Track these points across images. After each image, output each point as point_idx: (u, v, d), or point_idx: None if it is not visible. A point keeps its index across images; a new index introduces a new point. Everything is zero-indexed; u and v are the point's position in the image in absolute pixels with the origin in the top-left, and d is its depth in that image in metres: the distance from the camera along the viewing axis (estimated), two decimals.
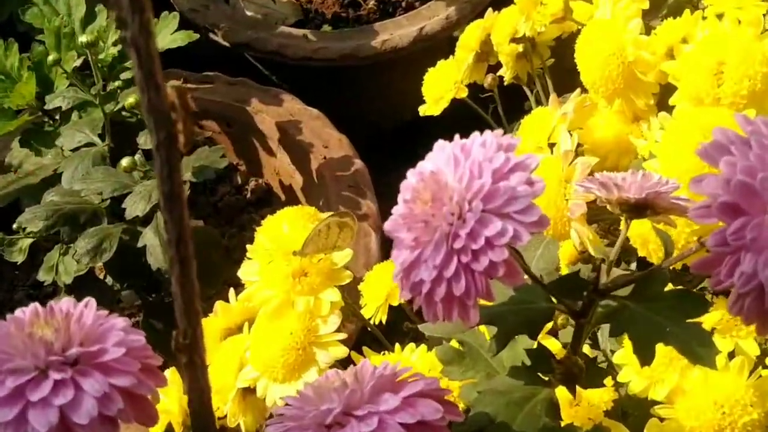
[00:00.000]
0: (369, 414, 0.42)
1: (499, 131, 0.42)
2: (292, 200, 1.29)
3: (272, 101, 1.30)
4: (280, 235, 0.66)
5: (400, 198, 0.43)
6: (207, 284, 0.98)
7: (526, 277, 0.48)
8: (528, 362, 0.49)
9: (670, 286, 0.45)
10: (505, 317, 0.47)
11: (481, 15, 0.96)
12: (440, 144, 0.43)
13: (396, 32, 1.39)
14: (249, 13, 1.50)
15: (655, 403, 0.62)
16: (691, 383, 0.60)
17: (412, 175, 0.43)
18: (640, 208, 0.47)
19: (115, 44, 1.10)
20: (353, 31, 1.40)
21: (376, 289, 0.78)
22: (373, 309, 0.78)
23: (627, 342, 0.61)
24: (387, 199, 1.16)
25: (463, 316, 0.40)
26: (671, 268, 0.55)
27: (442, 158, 0.42)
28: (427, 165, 0.42)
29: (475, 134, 0.42)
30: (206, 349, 0.69)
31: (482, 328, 0.55)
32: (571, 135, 0.65)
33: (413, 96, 1.00)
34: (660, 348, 0.57)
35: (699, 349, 0.42)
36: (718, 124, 0.57)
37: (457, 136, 0.42)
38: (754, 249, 0.36)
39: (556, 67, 0.94)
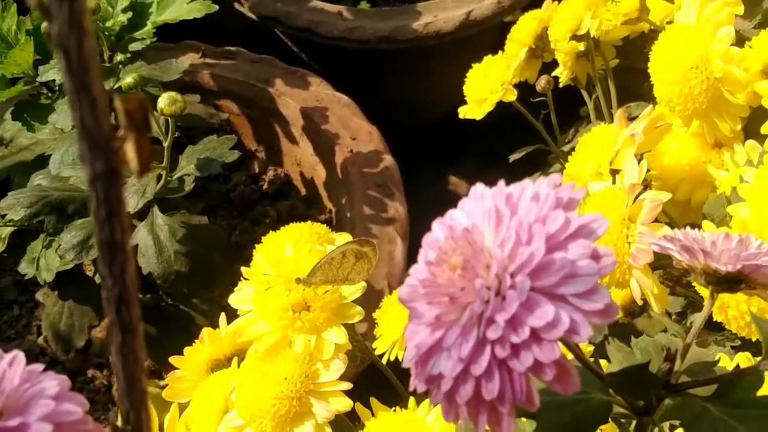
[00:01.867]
0: None
1: (557, 178, 0.33)
2: (312, 195, 1.21)
3: (298, 83, 1.22)
4: (282, 258, 0.58)
5: (421, 256, 0.34)
6: (205, 288, 0.90)
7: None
8: None
9: (765, 390, 0.36)
10: (547, 410, 0.38)
11: (537, 4, 0.86)
12: (478, 190, 0.34)
13: (441, 15, 1.29)
14: None
15: None
16: None
17: (439, 227, 0.34)
18: (731, 282, 0.38)
19: (125, 11, 1.02)
20: (393, 11, 1.31)
21: (393, 320, 0.69)
22: (389, 343, 0.69)
23: None
24: (415, 202, 1.08)
25: (493, 425, 0.31)
26: None
27: (480, 211, 0.33)
28: (459, 217, 0.33)
29: (526, 183, 0.33)
30: (189, 380, 0.61)
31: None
32: (639, 163, 0.55)
33: (456, 88, 0.90)
34: None
35: None
36: None
37: (501, 182, 0.33)
38: None
39: (621, 68, 0.84)
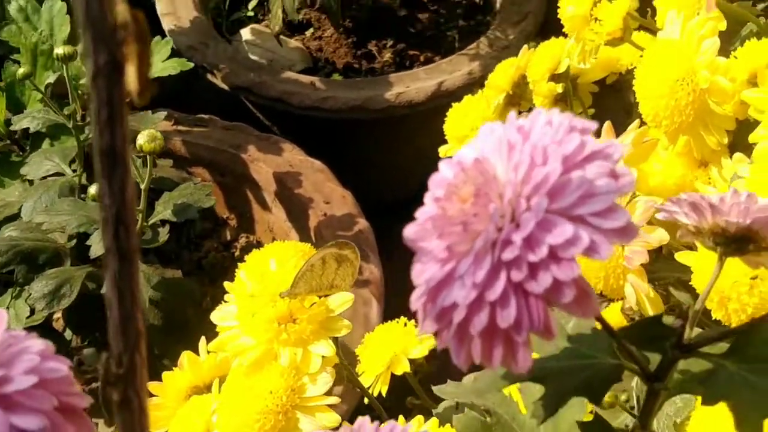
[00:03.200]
0: None
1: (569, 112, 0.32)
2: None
3: (271, 149, 1.22)
4: (266, 273, 0.56)
5: (428, 197, 0.33)
6: (177, 341, 0.87)
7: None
8: None
9: None
10: (555, 375, 0.36)
11: None
12: (489, 126, 0.33)
13: (412, 85, 1.31)
14: (253, 57, 1.42)
15: None
16: None
17: (447, 166, 0.33)
18: (741, 241, 0.37)
19: None
20: (365, 82, 1.33)
21: (376, 355, 0.68)
22: (372, 377, 0.67)
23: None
24: (387, 267, 1.07)
25: (508, 358, 0.30)
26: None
27: (491, 143, 0.32)
28: (468, 152, 0.32)
29: (537, 112, 0.32)
30: (167, 407, 0.58)
31: (515, 393, 0.45)
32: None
33: (429, 156, 0.90)
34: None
35: None
36: None
37: (513, 113, 0.32)
38: None
39: (596, 116, 0.85)
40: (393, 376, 0.68)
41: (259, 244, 1.23)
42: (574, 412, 0.41)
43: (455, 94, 1.31)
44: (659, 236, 0.51)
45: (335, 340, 0.58)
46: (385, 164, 1.40)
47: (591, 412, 0.42)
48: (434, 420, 0.56)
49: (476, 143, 0.33)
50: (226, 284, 0.58)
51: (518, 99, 0.86)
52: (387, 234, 1.24)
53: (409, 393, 0.73)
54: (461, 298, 0.30)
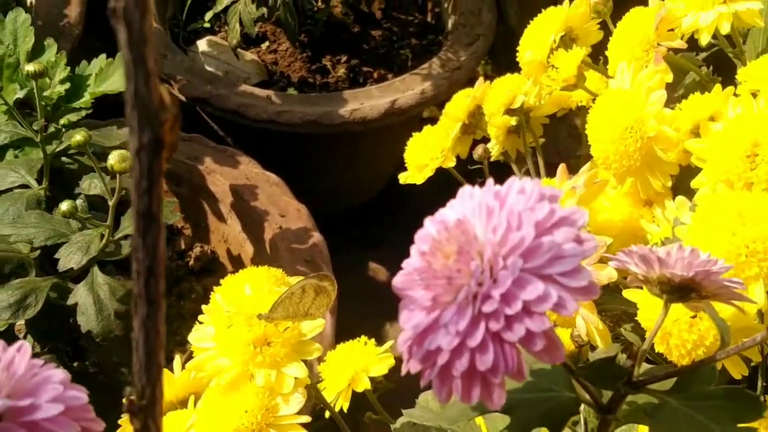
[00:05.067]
0: None
1: (536, 180, 0.37)
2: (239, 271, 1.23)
3: (228, 162, 1.25)
4: (243, 297, 0.60)
5: (414, 250, 0.37)
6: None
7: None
8: None
9: None
10: (520, 406, 0.41)
11: (457, 92, 0.91)
12: (467, 190, 0.38)
13: (367, 102, 1.35)
14: (209, 68, 1.45)
15: None
16: None
17: (431, 223, 0.37)
18: (684, 290, 0.42)
19: (62, 82, 1.04)
20: (321, 97, 1.37)
21: (338, 372, 0.72)
22: (334, 394, 0.71)
23: None
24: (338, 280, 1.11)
25: (485, 396, 0.34)
26: None
27: (470, 206, 0.36)
28: (450, 213, 0.37)
29: (512, 180, 0.37)
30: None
31: (480, 420, 0.49)
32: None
33: (382, 170, 0.95)
34: None
35: None
36: (757, 209, 0.53)
37: (490, 180, 0.37)
38: None
39: (547, 145, 0.90)
40: (354, 392, 0.72)
41: (213, 254, 1.26)
42: None
43: (407, 113, 1.36)
44: (608, 274, 0.56)
45: (306, 361, 0.62)
46: (339, 178, 1.45)
47: None
48: None
49: (456, 204, 0.38)
50: (204, 307, 0.62)
51: (473, 128, 0.90)
52: (341, 247, 1.29)
53: (368, 409, 0.77)
54: (445, 344, 0.34)
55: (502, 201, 0.36)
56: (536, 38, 0.75)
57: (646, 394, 0.41)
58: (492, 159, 0.90)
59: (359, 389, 0.71)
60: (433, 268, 0.36)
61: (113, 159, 0.77)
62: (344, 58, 1.53)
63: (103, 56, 1.08)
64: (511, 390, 0.42)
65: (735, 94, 0.63)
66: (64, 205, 0.84)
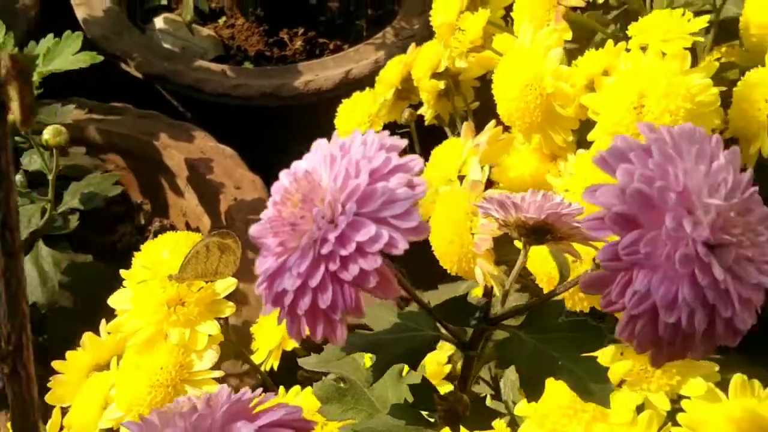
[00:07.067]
0: None
1: (385, 132, 0.40)
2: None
3: (183, 137, 1.28)
4: (159, 261, 0.63)
5: (269, 201, 0.40)
6: (93, 324, 0.93)
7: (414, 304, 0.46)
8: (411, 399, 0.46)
9: None
10: (385, 345, 0.44)
11: None
12: (319, 143, 0.41)
13: (321, 73, 1.37)
14: (166, 45, 1.48)
15: None
16: None
17: (285, 175, 0.40)
18: (539, 232, 0.45)
19: None
20: (275, 70, 1.39)
21: (270, 332, 0.75)
22: (265, 353, 0.75)
23: None
24: None
25: (328, 332, 0.38)
26: None
27: (319, 157, 0.39)
28: (301, 164, 0.40)
29: (356, 133, 0.40)
30: (71, 383, 0.65)
31: (367, 363, 0.52)
32: (482, 167, 0.63)
33: None
34: (563, 397, 0.56)
35: (592, 385, 0.40)
36: None
37: (335, 133, 0.40)
38: (648, 266, 0.34)
39: (482, 111, 0.93)
40: (284, 352, 0.75)
41: (173, 228, 1.29)
42: (413, 378, 0.50)
43: (362, 82, 1.38)
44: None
45: (225, 321, 0.65)
46: (295, 150, 1.47)
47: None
48: (309, 389, 0.64)
49: (309, 156, 0.40)
50: (122, 272, 0.65)
51: (407, 94, 0.93)
52: None
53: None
54: (290, 285, 0.37)
55: (345, 151, 0.39)
56: (447, 1, 0.78)
57: (503, 330, 0.44)
58: (426, 123, 0.93)
59: (289, 348, 0.74)
60: (282, 216, 0.39)
61: (48, 134, 0.80)
62: (301, 31, 1.55)
63: (50, 36, 1.10)
64: (381, 331, 0.46)
65: (627, 50, 0.66)
66: None
